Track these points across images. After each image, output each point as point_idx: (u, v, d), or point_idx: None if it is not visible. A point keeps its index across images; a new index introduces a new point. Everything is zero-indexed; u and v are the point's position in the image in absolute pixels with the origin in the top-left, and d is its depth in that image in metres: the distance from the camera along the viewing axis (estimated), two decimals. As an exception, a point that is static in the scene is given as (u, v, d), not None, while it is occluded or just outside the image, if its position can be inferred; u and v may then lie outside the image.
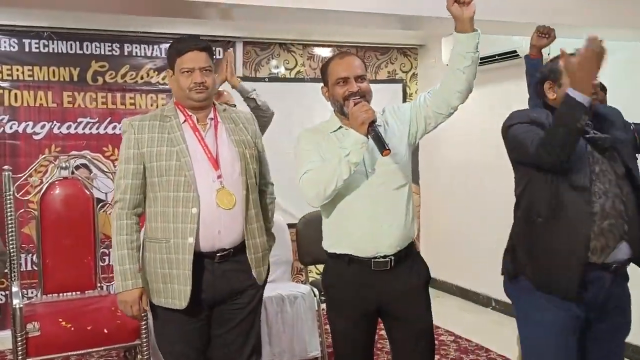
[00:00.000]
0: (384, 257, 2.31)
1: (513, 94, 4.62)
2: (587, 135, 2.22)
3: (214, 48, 4.92)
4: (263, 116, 3.65)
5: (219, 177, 2.39)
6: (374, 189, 2.29)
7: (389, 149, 2.14)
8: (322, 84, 2.41)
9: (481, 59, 4.52)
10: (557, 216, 2.19)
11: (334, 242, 2.38)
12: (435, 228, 5.95)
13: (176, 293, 2.36)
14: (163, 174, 2.36)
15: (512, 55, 4.34)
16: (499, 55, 4.45)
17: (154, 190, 2.40)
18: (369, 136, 2.17)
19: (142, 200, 2.44)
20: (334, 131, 2.37)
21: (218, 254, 2.39)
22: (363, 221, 2.29)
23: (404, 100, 5.81)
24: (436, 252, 5.71)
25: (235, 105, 3.48)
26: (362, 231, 2.29)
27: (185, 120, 2.45)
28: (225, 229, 2.39)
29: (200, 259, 2.37)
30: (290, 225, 4.29)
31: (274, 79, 5.35)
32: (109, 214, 3.84)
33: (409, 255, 2.37)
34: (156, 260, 2.39)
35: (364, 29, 5.01)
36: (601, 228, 2.15)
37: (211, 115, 2.49)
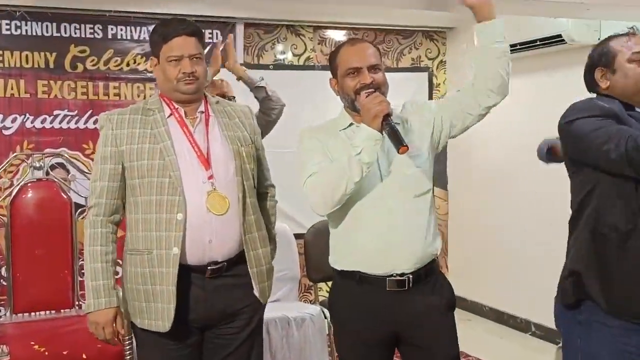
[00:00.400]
0: (401, 275, 2.29)
1: (558, 85, 4.62)
2: None
3: (210, 31, 5.09)
4: (273, 108, 3.69)
5: (210, 177, 2.38)
6: (390, 195, 2.28)
7: (406, 145, 2.13)
8: (330, 76, 2.40)
9: (521, 44, 4.64)
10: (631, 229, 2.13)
11: (342, 257, 2.37)
12: (465, 240, 5.93)
13: (159, 313, 2.34)
14: (145, 175, 2.35)
15: (557, 40, 4.32)
16: (541, 40, 4.43)
17: (134, 194, 2.38)
18: (384, 132, 2.17)
19: (120, 206, 2.43)
20: (344, 129, 2.37)
21: (209, 268, 2.37)
22: (376, 233, 2.27)
23: (430, 92, 5.81)
24: (467, 269, 5.69)
25: (234, 97, 3.49)
26: (375, 245, 2.27)
27: (171, 114, 2.43)
28: (218, 237, 2.37)
29: (188, 273, 2.36)
30: (297, 236, 4.30)
31: (279, 66, 5.36)
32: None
33: (430, 274, 2.35)
34: (137, 275, 2.37)
35: (383, 9, 5.01)
36: None
37: (202, 108, 2.47)
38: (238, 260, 2.44)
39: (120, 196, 2.42)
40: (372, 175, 2.25)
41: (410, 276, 2.29)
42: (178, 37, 2.36)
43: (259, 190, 2.58)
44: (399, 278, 2.29)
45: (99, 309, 2.36)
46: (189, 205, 2.33)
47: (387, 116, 2.16)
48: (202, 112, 2.47)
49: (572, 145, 2.30)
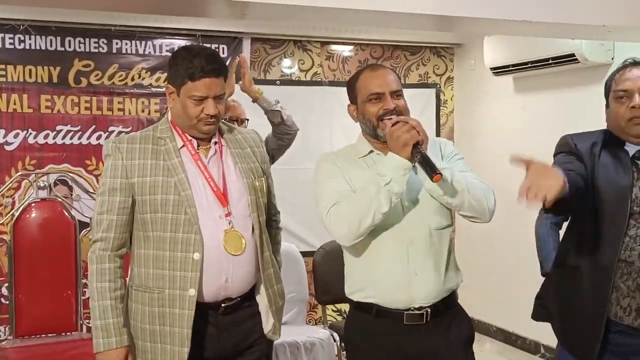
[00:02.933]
0: (419, 309, 2.22)
1: (570, 104, 4.58)
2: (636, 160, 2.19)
3: (217, 46, 5.04)
4: (287, 133, 3.57)
5: (227, 215, 2.26)
6: (410, 228, 2.21)
7: (440, 173, 2.05)
8: (348, 102, 2.34)
9: (533, 62, 4.58)
10: (585, 261, 2.17)
11: (358, 288, 2.28)
12: (471, 257, 5.86)
13: (168, 355, 2.22)
14: (158, 210, 2.22)
15: (570, 59, 4.28)
16: (554, 58, 4.39)
17: (145, 229, 2.25)
18: (415, 160, 2.10)
19: (127, 239, 2.29)
20: (363, 156, 2.30)
21: (223, 305, 2.28)
22: (395, 266, 2.21)
23: (438, 108, 5.77)
24: (473, 287, 5.61)
25: (247, 120, 3.42)
26: (394, 279, 2.21)
27: (183, 145, 2.30)
28: (235, 277, 2.27)
29: (200, 310, 2.24)
30: (304, 253, 4.23)
31: (286, 81, 5.31)
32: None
33: (448, 307, 2.29)
34: (144, 314, 2.25)
35: (391, 28, 4.97)
36: (638, 283, 2.11)
37: (215, 138, 2.34)
38: (250, 293, 2.37)
39: (129, 230, 2.28)
40: (393, 206, 2.17)
41: (429, 310, 2.22)
42: (207, 78, 2.20)
43: (267, 219, 2.46)
44: (417, 312, 2.22)
45: (110, 349, 2.21)
46: (205, 245, 2.22)
47: (417, 144, 2.09)
48: (215, 142, 2.34)
49: None
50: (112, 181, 2.25)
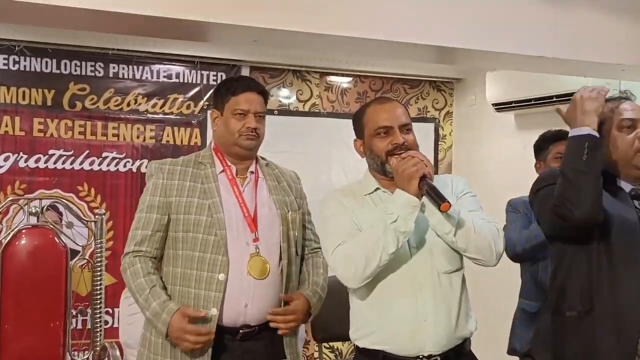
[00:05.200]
0: (428, 357, 2.13)
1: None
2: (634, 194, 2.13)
3: (215, 73, 4.99)
4: None
5: (255, 240, 2.36)
6: (419, 271, 2.13)
7: (448, 202, 1.97)
8: (354, 138, 2.29)
9: (536, 99, 4.54)
10: (597, 306, 2.06)
11: (365, 333, 2.20)
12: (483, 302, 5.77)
13: None
14: (190, 230, 2.34)
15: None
16: (558, 96, 4.36)
17: (175, 247, 2.36)
18: (422, 194, 2.02)
19: (159, 256, 2.40)
20: (369, 194, 2.24)
21: (241, 331, 2.33)
22: (403, 312, 2.12)
23: (436, 143, 5.72)
24: (486, 334, 5.52)
25: None
26: (402, 325, 2.12)
27: (222, 170, 2.42)
28: (254, 302, 2.33)
29: (218, 334, 2.31)
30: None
31: (284, 111, 5.25)
32: (83, 267, 3.72)
33: (459, 355, 2.19)
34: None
35: (392, 60, 4.95)
36: None
37: (252, 168, 2.47)
38: (267, 327, 2.39)
39: (161, 247, 2.39)
40: (401, 248, 2.09)
41: (439, 358, 2.13)
42: (249, 92, 2.41)
43: (304, 255, 2.56)
44: None
45: (167, 326, 2.27)
46: (230, 267, 2.30)
47: (424, 177, 2.02)
48: (252, 172, 2.47)
49: (536, 217, 2.28)
50: (151, 199, 2.38)
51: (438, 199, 1.97)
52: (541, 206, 2.17)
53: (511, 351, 3.35)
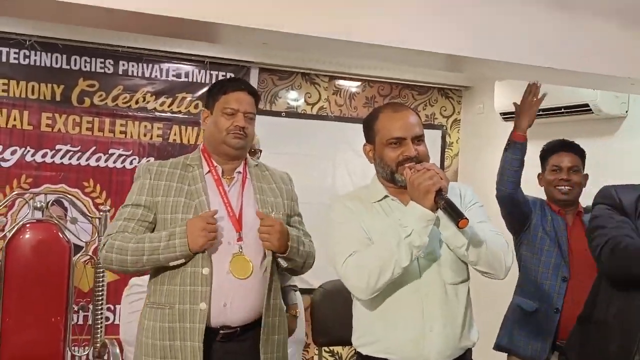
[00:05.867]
0: None
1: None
2: None
3: (224, 73, 4.99)
4: None
5: (239, 240, 2.36)
6: (426, 282, 2.13)
7: (466, 218, 1.95)
8: (364, 142, 2.27)
9: (545, 110, 4.54)
10: (609, 320, 2.12)
11: (369, 341, 2.20)
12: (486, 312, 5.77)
13: None
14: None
15: (583, 109, 4.25)
16: (567, 108, 4.35)
17: None
18: (438, 208, 2.01)
19: None
20: (378, 201, 2.22)
21: (221, 332, 2.32)
22: (409, 321, 2.12)
23: (443, 150, 5.72)
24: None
25: (261, 151, 3.38)
26: (408, 334, 2.12)
27: (209, 171, 2.43)
28: (234, 302, 2.32)
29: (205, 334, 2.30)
30: (303, 291, 4.12)
31: (292, 114, 5.26)
32: (86, 262, 3.73)
33: None
34: (155, 330, 2.31)
35: (401, 66, 4.95)
36: None
37: (240, 169, 2.48)
38: (252, 327, 2.38)
39: None
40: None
41: None
42: (239, 91, 2.43)
43: None
44: None
45: (186, 235, 2.27)
46: (213, 265, 2.31)
47: (440, 191, 1.99)
48: (239, 172, 2.47)
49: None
50: (137, 197, 2.39)
51: (456, 216, 1.95)
52: (593, 229, 2.29)
53: (497, 347, 3.31)
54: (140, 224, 2.36)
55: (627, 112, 4.12)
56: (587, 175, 3.12)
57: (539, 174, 3.13)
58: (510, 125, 5.08)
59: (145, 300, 2.43)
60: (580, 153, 3.09)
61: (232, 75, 5.02)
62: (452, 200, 1.99)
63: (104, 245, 2.36)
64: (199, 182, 2.40)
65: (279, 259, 2.40)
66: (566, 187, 2.99)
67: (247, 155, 2.55)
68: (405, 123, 2.15)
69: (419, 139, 2.16)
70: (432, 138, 5.71)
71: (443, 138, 5.75)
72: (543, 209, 3.03)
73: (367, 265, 2.06)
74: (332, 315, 3.62)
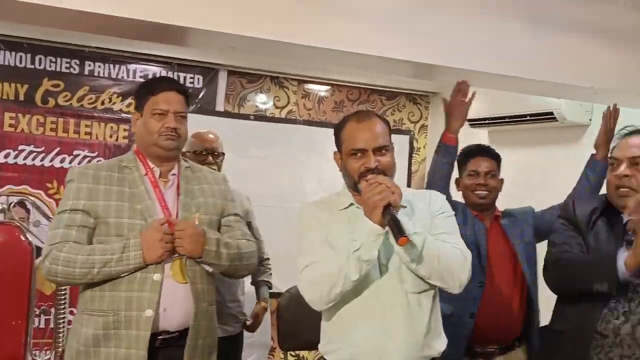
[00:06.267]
0: None
1: (545, 162, 4.59)
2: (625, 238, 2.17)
3: (192, 76, 4.97)
4: None
5: None
6: (388, 290, 2.13)
7: (406, 236, 1.94)
8: (334, 149, 2.26)
9: (510, 117, 4.60)
10: (564, 329, 2.17)
11: (333, 347, 2.21)
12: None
13: None
14: (123, 233, 2.28)
15: (547, 117, 4.32)
16: (532, 115, 4.42)
17: None
18: (386, 223, 2.00)
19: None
20: (344, 209, 2.23)
21: (160, 337, 2.29)
22: (369, 329, 2.13)
23: (410, 156, 5.74)
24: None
25: (223, 155, 3.35)
26: (367, 342, 2.13)
27: (146, 174, 2.39)
28: (174, 307, 2.29)
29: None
30: (270, 294, 4.10)
31: (260, 117, 5.25)
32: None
33: None
34: (97, 338, 2.24)
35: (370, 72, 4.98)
36: (609, 357, 2.07)
37: (174, 170, 2.44)
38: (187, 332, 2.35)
39: (89, 243, 2.31)
40: (372, 266, 2.09)
41: None
42: (167, 91, 2.37)
43: None
44: None
45: (141, 247, 2.23)
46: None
47: (389, 206, 1.98)
48: (174, 174, 2.43)
49: None
50: (74, 202, 2.30)
51: (397, 233, 1.95)
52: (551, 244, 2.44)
53: None
54: (81, 231, 2.28)
55: (590, 120, 4.19)
56: (502, 179, 3.14)
57: (456, 179, 3.11)
58: (477, 132, 5.18)
59: (80, 306, 2.33)
60: (496, 158, 3.10)
61: (201, 78, 5.01)
62: (397, 217, 1.98)
63: (46, 256, 2.27)
64: (140, 185, 2.35)
65: (202, 263, 2.37)
66: (484, 192, 2.98)
67: (182, 157, 2.52)
68: (367, 134, 2.13)
69: (381, 150, 2.14)
70: (400, 143, 5.73)
71: (411, 143, 5.77)
72: (464, 213, 2.99)
73: (319, 277, 2.08)
74: (298, 320, 3.61)
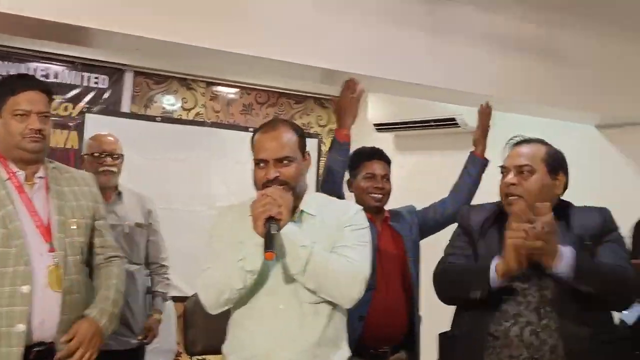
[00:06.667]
0: None
1: (448, 167, 4.70)
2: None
3: (97, 76, 4.86)
4: None
5: (51, 250, 2.23)
6: (283, 297, 2.13)
7: (272, 252, 1.96)
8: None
9: (414, 122, 4.73)
10: (458, 334, 2.23)
11: (230, 350, 2.23)
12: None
13: None
14: None
15: (450, 123, 4.48)
16: (436, 121, 4.58)
17: None
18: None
19: None
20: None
21: (35, 349, 2.17)
22: (261, 334, 2.14)
23: (318, 159, 5.76)
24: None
25: (122, 156, 3.30)
26: (258, 347, 2.14)
27: (8, 178, 2.26)
28: (52, 317, 2.20)
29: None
30: (176, 298, 4.08)
31: (168, 119, 5.18)
32: None
33: None
34: None
35: (279, 77, 5.02)
36: (499, 358, 2.13)
37: (41, 173, 2.33)
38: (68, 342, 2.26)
39: None
40: (269, 274, 2.13)
41: None
42: (29, 91, 2.25)
43: (98, 263, 2.44)
44: None
45: None
46: (33, 279, 2.16)
47: (271, 218, 2.00)
48: (41, 177, 2.32)
49: None
50: None
51: (265, 248, 1.97)
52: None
53: None
54: None
55: (490, 126, 4.37)
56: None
57: (348, 180, 3.15)
58: (383, 137, 5.30)
59: None
60: (388, 162, 3.17)
61: (106, 79, 4.91)
62: (271, 233, 1.99)
63: None
64: (1, 190, 2.22)
65: None
66: (380, 195, 3.04)
67: (47, 159, 2.40)
68: (269, 144, 2.15)
69: (283, 161, 2.14)
70: (308, 147, 5.75)
71: (319, 147, 5.81)
72: None
73: (210, 282, 2.12)
74: (205, 324, 3.60)
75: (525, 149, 2.28)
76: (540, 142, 2.31)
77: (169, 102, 5.27)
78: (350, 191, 3.13)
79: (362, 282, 2.13)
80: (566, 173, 2.29)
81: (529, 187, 2.20)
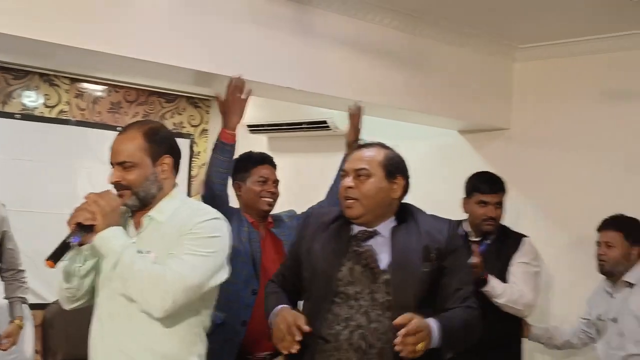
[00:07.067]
0: None
1: (320, 168, 4.77)
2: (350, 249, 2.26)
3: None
4: None
5: None
6: (105, 304, 2.14)
7: (48, 261, 1.96)
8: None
9: (288, 124, 4.77)
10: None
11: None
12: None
13: None
14: None
15: (321, 126, 4.55)
16: (308, 123, 4.63)
17: None
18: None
19: None
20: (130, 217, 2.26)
21: None
22: (92, 334, 2.18)
23: (190, 160, 5.69)
24: None
25: None
26: (93, 351, 2.18)
27: None
28: None
29: None
30: (35, 306, 3.87)
31: (28, 116, 4.92)
32: None
33: None
34: None
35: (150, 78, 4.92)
36: None
37: None
38: None
39: None
40: (102, 279, 2.13)
41: None
42: None
43: None
44: None
45: None
46: None
47: (79, 225, 2.00)
48: None
49: None
50: None
51: (51, 255, 1.98)
52: None
53: None
54: None
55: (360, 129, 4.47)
56: None
57: (237, 183, 3.11)
58: (257, 138, 5.29)
59: None
60: (276, 168, 3.21)
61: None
62: (64, 241, 2.00)
63: None
64: None
65: None
66: (271, 199, 3.07)
67: None
68: (114, 148, 2.15)
69: (125, 165, 2.10)
70: (180, 147, 5.67)
71: (191, 148, 5.75)
72: (240, 219, 3.00)
73: None
74: (66, 332, 3.48)
75: (364, 152, 2.30)
76: (381, 146, 2.32)
77: (30, 98, 4.99)
78: (238, 194, 3.10)
79: (177, 292, 1.99)
80: (406, 177, 2.31)
81: (365, 191, 2.22)
